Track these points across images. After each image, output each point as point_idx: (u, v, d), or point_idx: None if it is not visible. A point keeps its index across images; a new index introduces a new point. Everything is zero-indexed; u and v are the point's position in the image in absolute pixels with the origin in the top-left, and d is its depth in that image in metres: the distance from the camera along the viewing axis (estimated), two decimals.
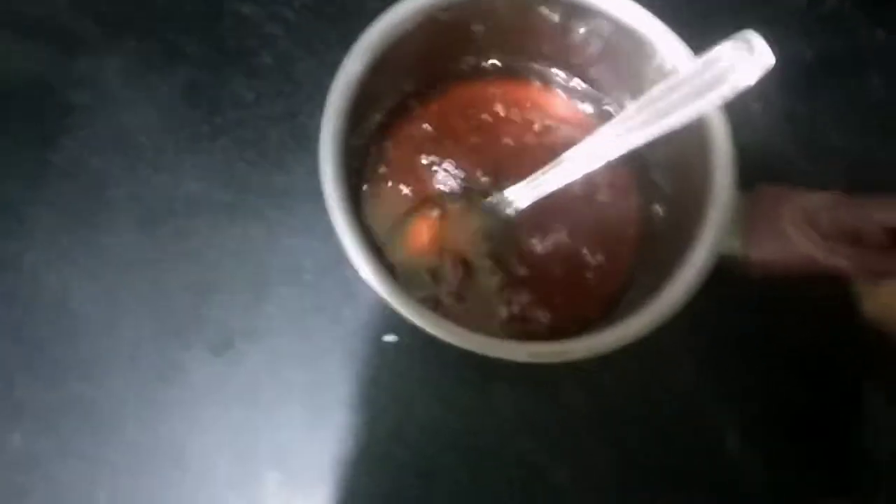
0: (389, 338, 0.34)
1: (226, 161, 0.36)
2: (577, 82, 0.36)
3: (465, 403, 0.33)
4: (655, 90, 0.28)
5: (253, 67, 0.37)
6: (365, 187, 0.34)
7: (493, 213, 0.33)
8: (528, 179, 0.32)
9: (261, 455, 0.33)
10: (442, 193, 0.34)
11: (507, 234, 0.34)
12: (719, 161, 0.30)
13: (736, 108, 0.29)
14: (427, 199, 0.34)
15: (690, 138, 0.31)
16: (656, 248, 0.34)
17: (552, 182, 0.32)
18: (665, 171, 0.34)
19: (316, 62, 0.37)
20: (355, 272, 0.28)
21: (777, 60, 0.25)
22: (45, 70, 0.37)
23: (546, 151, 0.33)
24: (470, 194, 0.34)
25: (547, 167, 0.32)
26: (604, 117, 0.35)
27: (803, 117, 0.38)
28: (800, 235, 0.30)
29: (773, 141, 0.37)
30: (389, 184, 0.34)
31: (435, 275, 0.33)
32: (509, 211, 0.33)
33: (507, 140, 0.35)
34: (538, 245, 0.34)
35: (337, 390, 0.34)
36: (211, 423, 0.33)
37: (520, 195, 0.33)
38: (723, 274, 0.30)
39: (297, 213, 0.35)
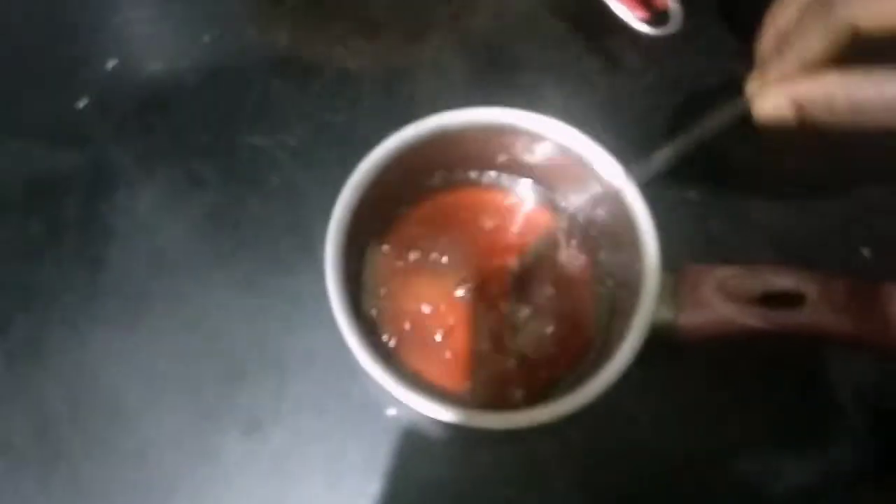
0: (391, 411, 0.41)
1: (246, 270, 0.44)
2: (530, 185, 0.44)
3: (453, 461, 0.40)
4: None
5: (264, 189, 0.45)
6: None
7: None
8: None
9: None
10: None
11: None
12: (647, 249, 0.38)
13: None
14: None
15: (625, 232, 0.39)
16: (611, 319, 0.41)
17: None
18: (611, 255, 0.42)
19: (317, 180, 0.45)
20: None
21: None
22: (92, 198, 0.45)
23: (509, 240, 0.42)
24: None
25: None
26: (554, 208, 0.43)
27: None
28: (718, 302, 0.37)
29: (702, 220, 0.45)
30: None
31: None
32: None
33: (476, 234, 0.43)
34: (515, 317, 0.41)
35: (350, 459, 0.40)
36: (246, 494, 0.39)
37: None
38: (661, 340, 0.37)
39: (308, 309, 0.42)
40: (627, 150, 0.38)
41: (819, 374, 0.42)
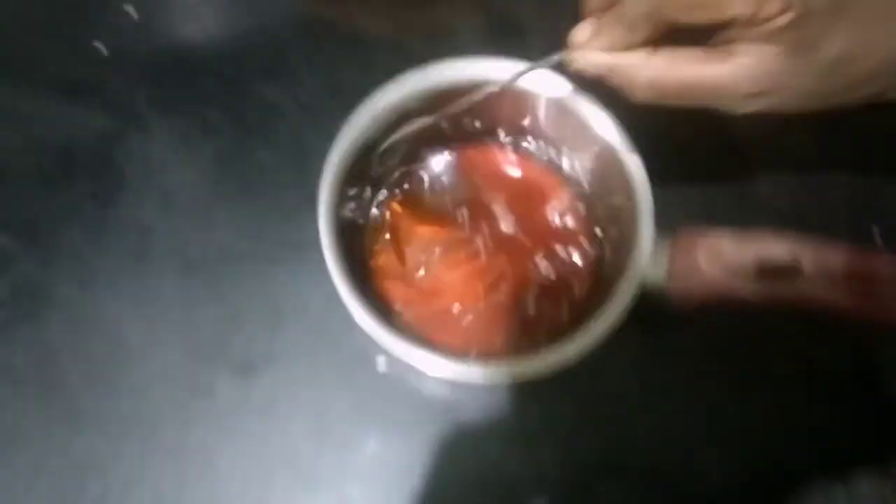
0: (381, 363, 0.41)
1: (250, 217, 0.45)
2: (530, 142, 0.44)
3: (440, 416, 0.41)
4: None
5: (272, 139, 0.46)
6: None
7: None
8: None
9: (274, 458, 0.40)
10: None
11: None
12: (641, 209, 0.37)
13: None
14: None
15: (621, 191, 0.39)
16: (605, 284, 0.41)
17: None
18: (606, 222, 0.42)
19: (325, 135, 0.45)
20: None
21: None
22: (106, 140, 0.46)
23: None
24: None
25: None
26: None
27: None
28: (710, 268, 0.37)
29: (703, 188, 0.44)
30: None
31: None
32: None
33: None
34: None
35: (337, 407, 0.41)
36: (234, 432, 0.41)
37: None
38: (653, 306, 0.37)
39: (307, 260, 0.42)
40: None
41: (818, 353, 0.41)
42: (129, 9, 0.48)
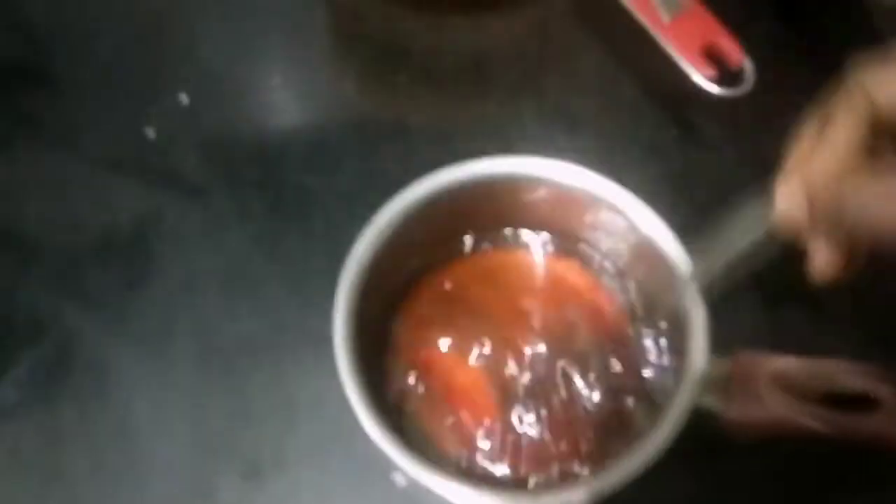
0: (397, 476, 0.38)
1: (274, 307, 0.43)
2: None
3: None
4: None
5: (306, 227, 0.45)
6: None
7: None
8: None
9: None
10: None
11: None
12: (696, 326, 0.34)
13: None
14: None
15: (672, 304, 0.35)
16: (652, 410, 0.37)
17: None
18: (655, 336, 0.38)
19: (361, 225, 0.43)
20: None
21: None
22: (139, 220, 0.46)
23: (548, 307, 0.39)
24: None
25: None
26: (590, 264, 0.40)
27: None
28: (774, 397, 0.32)
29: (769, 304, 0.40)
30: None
31: None
32: None
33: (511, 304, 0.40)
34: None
35: None
36: None
37: None
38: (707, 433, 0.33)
39: (327, 353, 0.40)
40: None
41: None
42: (182, 96, 0.49)
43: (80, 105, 0.50)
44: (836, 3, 0.44)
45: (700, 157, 0.45)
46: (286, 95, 0.50)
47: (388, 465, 0.38)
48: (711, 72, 0.39)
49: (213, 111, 0.49)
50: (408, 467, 0.32)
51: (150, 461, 0.39)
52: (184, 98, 0.49)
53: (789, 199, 0.27)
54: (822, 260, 0.28)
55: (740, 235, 0.31)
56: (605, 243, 0.40)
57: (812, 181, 0.26)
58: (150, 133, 0.48)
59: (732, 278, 0.32)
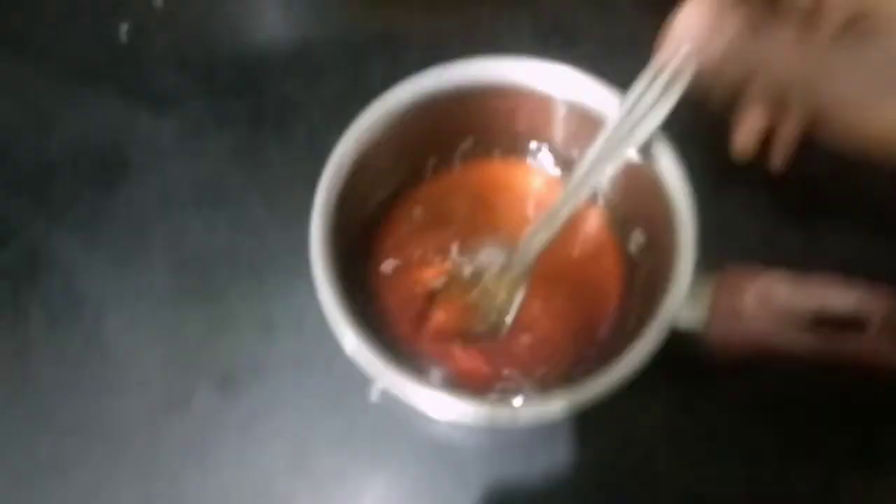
0: (373, 391, 0.38)
1: (253, 219, 0.42)
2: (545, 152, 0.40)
3: (432, 451, 0.37)
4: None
5: (286, 136, 0.43)
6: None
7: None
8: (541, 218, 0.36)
9: (245, 488, 0.36)
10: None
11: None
12: (683, 239, 0.33)
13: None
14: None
15: (661, 217, 0.34)
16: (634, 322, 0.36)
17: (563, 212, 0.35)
18: (643, 248, 0.37)
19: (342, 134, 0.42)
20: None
21: None
22: (112, 127, 0.44)
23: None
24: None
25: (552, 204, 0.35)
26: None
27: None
28: (759, 314, 0.31)
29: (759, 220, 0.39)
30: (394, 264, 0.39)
31: None
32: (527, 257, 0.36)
33: (498, 213, 0.39)
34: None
35: (322, 435, 0.37)
36: (208, 450, 0.37)
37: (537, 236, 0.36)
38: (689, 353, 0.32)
39: (306, 268, 0.39)
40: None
41: (880, 423, 0.35)
42: None
43: (50, 10, 0.48)
44: None
45: None
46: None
47: (364, 380, 0.38)
48: None
49: (188, 14, 0.47)
50: (385, 376, 0.32)
51: (123, 370, 0.39)
52: (157, 0, 0.47)
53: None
54: (745, 127, 0.31)
55: None
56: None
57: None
58: (123, 37, 0.46)
59: None
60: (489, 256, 0.38)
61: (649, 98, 0.32)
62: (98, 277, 0.41)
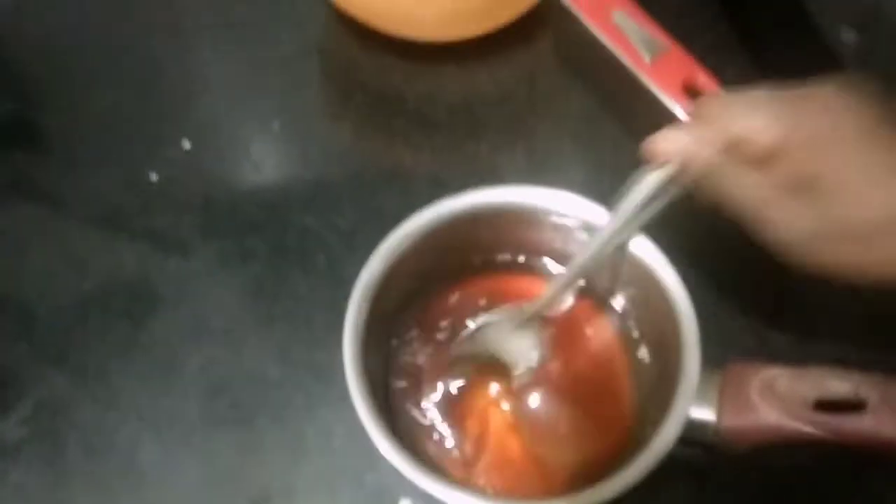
0: (405, 502, 0.40)
1: (280, 343, 0.45)
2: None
3: None
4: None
5: (308, 266, 0.47)
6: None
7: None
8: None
9: None
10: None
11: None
12: (688, 342, 0.37)
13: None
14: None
15: (665, 321, 0.38)
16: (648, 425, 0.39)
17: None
18: (649, 349, 0.41)
19: (361, 262, 0.46)
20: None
21: None
22: (143, 266, 0.48)
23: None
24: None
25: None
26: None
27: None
28: (765, 404, 0.35)
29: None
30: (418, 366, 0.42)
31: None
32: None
33: None
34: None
35: None
36: None
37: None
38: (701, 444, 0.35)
39: (334, 386, 0.42)
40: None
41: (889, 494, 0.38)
42: (185, 142, 0.52)
43: (83, 160, 0.53)
44: (802, 42, 0.48)
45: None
46: (285, 140, 0.53)
47: (396, 493, 0.40)
48: (692, 105, 0.43)
49: (213, 157, 0.52)
50: (423, 484, 0.34)
51: (158, 497, 0.41)
52: (186, 144, 0.52)
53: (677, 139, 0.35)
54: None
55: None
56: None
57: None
58: (153, 177, 0.51)
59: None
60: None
61: (642, 198, 0.37)
62: (133, 407, 0.43)
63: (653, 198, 0.37)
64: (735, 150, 0.33)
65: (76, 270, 0.48)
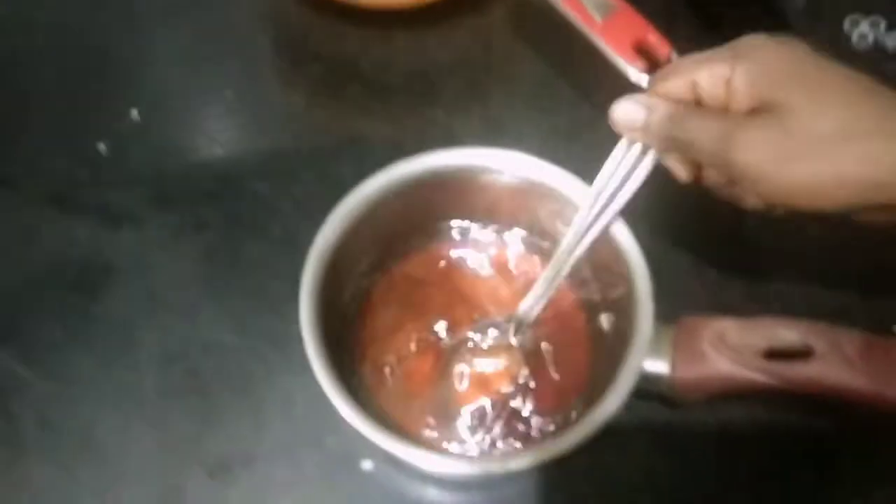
0: (366, 464, 0.40)
1: (236, 312, 0.45)
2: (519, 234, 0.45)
3: None
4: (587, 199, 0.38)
5: (263, 234, 0.47)
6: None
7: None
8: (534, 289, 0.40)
9: None
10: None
11: None
12: (641, 297, 0.37)
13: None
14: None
15: (619, 279, 0.38)
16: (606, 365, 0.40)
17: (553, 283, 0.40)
18: (608, 316, 0.41)
19: (316, 229, 0.46)
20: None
21: None
22: (97, 241, 0.47)
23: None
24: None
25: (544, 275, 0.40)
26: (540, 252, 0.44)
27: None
28: (717, 355, 0.35)
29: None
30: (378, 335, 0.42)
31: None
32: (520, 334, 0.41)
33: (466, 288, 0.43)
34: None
35: None
36: None
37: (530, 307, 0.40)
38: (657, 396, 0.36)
39: (292, 355, 0.42)
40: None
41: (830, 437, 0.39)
42: (134, 113, 0.51)
43: (29, 135, 0.51)
44: (752, 4, 0.49)
45: None
46: (238, 109, 0.53)
47: (356, 454, 0.40)
48: (643, 64, 0.43)
49: (165, 127, 0.52)
50: (385, 444, 0.34)
51: (117, 468, 0.41)
52: (135, 115, 0.51)
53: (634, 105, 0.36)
54: (676, 169, 0.37)
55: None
56: (552, 228, 0.43)
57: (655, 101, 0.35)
58: (103, 150, 0.50)
59: None
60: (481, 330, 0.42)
61: (620, 173, 0.37)
62: (87, 380, 0.43)
63: (629, 173, 0.37)
64: (690, 97, 0.35)
65: (27, 246, 0.47)
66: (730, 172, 0.33)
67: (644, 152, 0.37)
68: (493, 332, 0.41)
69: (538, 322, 0.41)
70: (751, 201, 0.35)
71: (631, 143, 0.37)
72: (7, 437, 0.41)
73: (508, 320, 0.41)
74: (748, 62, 0.33)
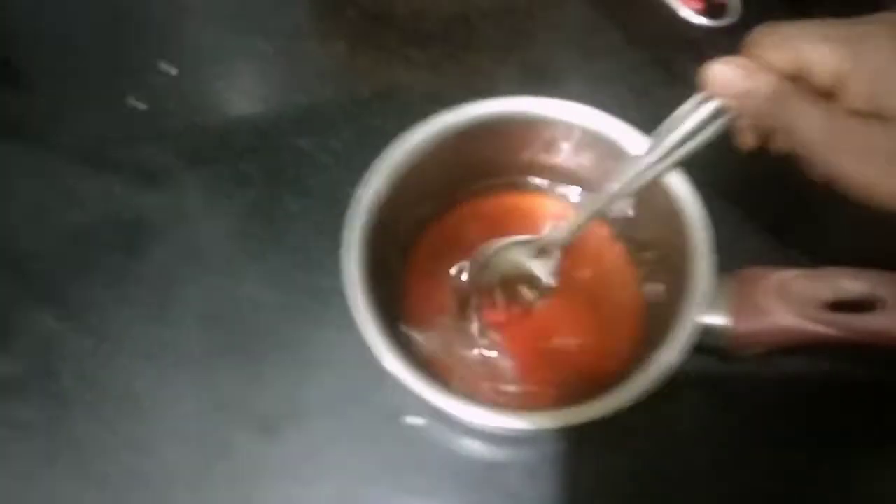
0: (412, 420, 0.39)
1: (278, 268, 0.44)
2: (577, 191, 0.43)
3: (473, 473, 0.39)
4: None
5: (304, 189, 0.46)
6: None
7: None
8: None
9: None
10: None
11: None
12: (699, 248, 0.36)
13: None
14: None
15: (674, 230, 0.37)
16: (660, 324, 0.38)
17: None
18: (659, 260, 0.40)
19: (357, 182, 0.45)
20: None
21: None
22: (134, 198, 0.47)
23: None
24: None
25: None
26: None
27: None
28: (779, 306, 0.34)
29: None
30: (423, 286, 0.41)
31: None
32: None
33: None
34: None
35: (366, 468, 0.39)
36: (252, 497, 0.39)
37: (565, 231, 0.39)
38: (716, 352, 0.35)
39: (338, 310, 0.41)
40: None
41: None
42: (170, 68, 0.50)
43: (64, 93, 0.51)
44: None
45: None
46: (274, 62, 0.51)
47: (401, 409, 0.40)
48: (698, 4, 0.41)
49: (201, 82, 0.51)
50: (430, 399, 0.34)
51: (160, 426, 0.40)
52: (172, 70, 0.50)
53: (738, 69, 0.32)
54: (745, 136, 0.34)
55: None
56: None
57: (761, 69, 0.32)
58: (140, 106, 0.49)
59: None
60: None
61: (686, 127, 0.35)
62: (127, 337, 0.42)
63: (698, 129, 0.35)
64: (799, 80, 0.32)
65: (64, 204, 0.47)
66: (825, 171, 0.31)
67: (718, 115, 0.34)
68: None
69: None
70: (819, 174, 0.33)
71: (708, 100, 0.34)
72: (50, 394, 0.41)
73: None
74: (873, 65, 0.30)
